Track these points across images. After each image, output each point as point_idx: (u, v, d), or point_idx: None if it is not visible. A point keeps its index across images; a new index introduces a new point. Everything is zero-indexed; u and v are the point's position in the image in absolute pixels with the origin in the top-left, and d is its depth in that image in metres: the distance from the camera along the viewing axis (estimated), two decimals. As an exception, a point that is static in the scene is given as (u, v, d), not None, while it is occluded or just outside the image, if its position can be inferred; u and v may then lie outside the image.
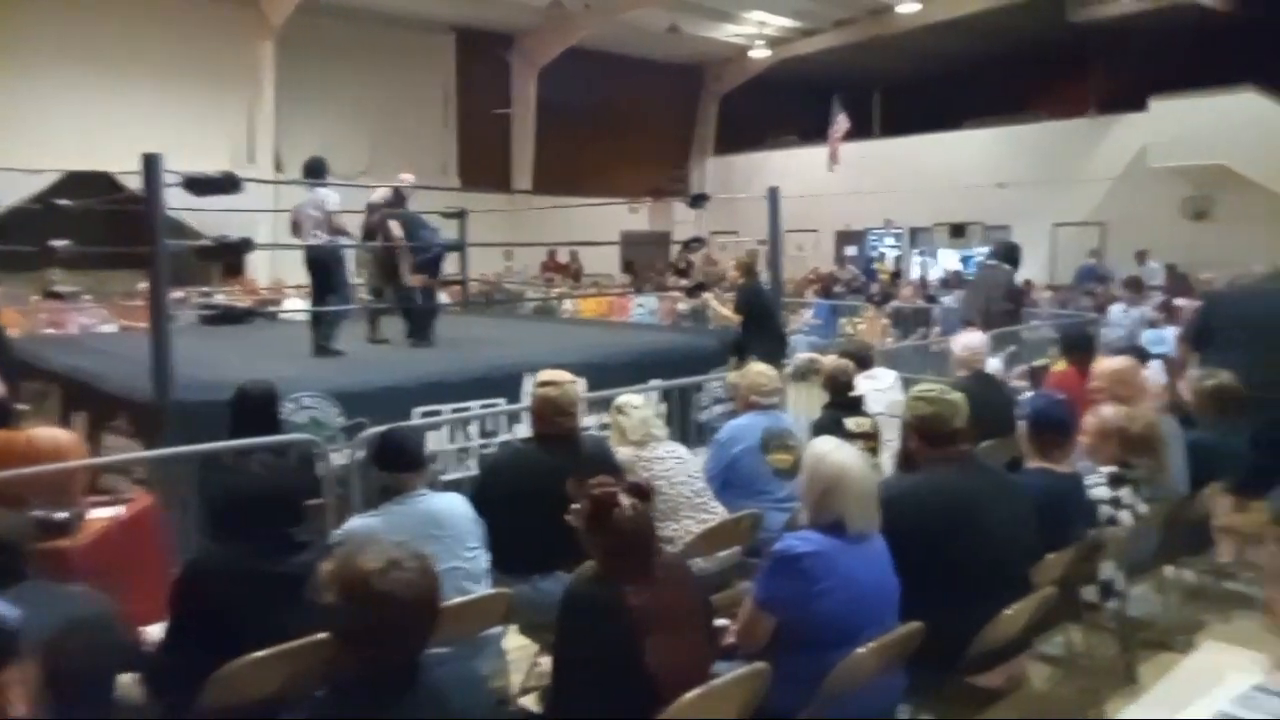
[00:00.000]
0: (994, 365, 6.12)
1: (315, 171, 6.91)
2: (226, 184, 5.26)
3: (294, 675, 2.19)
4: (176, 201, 4.92)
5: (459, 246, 9.79)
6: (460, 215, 9.85)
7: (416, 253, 7.21)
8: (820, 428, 4.48)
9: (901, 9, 15.94)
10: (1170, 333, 8.30)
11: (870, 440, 4.40)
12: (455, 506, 2.92)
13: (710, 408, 6.56)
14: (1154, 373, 6.76)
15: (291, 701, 2.15)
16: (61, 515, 2.83)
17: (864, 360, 5.04)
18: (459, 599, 2.76)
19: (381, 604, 1.71)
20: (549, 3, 15.34)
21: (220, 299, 10.81)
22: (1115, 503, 3.45)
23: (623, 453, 3.75)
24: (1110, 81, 15.33)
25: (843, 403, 4.55)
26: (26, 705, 1.57)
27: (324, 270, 6.79)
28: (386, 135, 16.11)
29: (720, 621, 2.64)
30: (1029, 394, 4.85)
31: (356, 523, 2.83)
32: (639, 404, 3.95)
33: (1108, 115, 15.36)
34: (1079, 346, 5.43)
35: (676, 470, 3.69)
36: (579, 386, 3.82)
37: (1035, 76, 17.11)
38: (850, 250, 18.77)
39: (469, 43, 17.28)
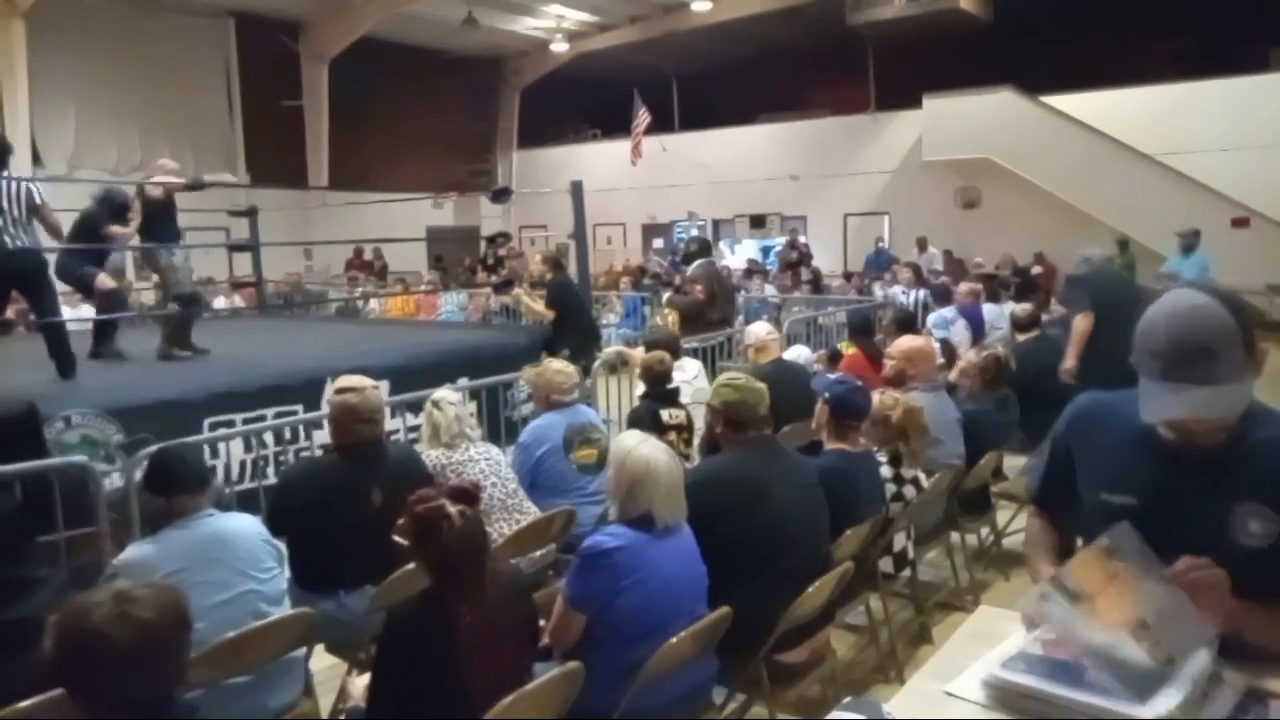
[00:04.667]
0: (803, 353, 6.36)
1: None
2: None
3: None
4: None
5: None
6: (251, 213, 9.31)
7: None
8: (636, 419, 4.52)
9: (695, 6, 16.36)
10: (950, 313, 8.88)
11: (684, 431, 4.48)
12: (244, 526, 2.72)
13: (523, 404, 6.50)
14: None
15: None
16: None
17: (673, 351, 5.12)
18: (256, 623, 2.58)
19: (91, 647, 1.52)
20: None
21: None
22: (898, 479, 3.67)
23: (431, 456, 3.64)
24: (887, 80, 16.36)
25: (659, 394, 4.60)
26: None
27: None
28: (162, 128, 14.94)
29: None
30: (823, 375, 5.06)
31: (132, 552, 2.58)
32: (454, 400, 3.83)
33: (886, 112, 16.39)
34: (863, 330, 5.75)
35: (489, 472, 3.62)
36: (382, 391, 3.66)
37: (821, 74, 18.01)
38: (658, 242, 19.12)
39: (250, 30, 16.26)
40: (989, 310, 8.29)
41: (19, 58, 12.81)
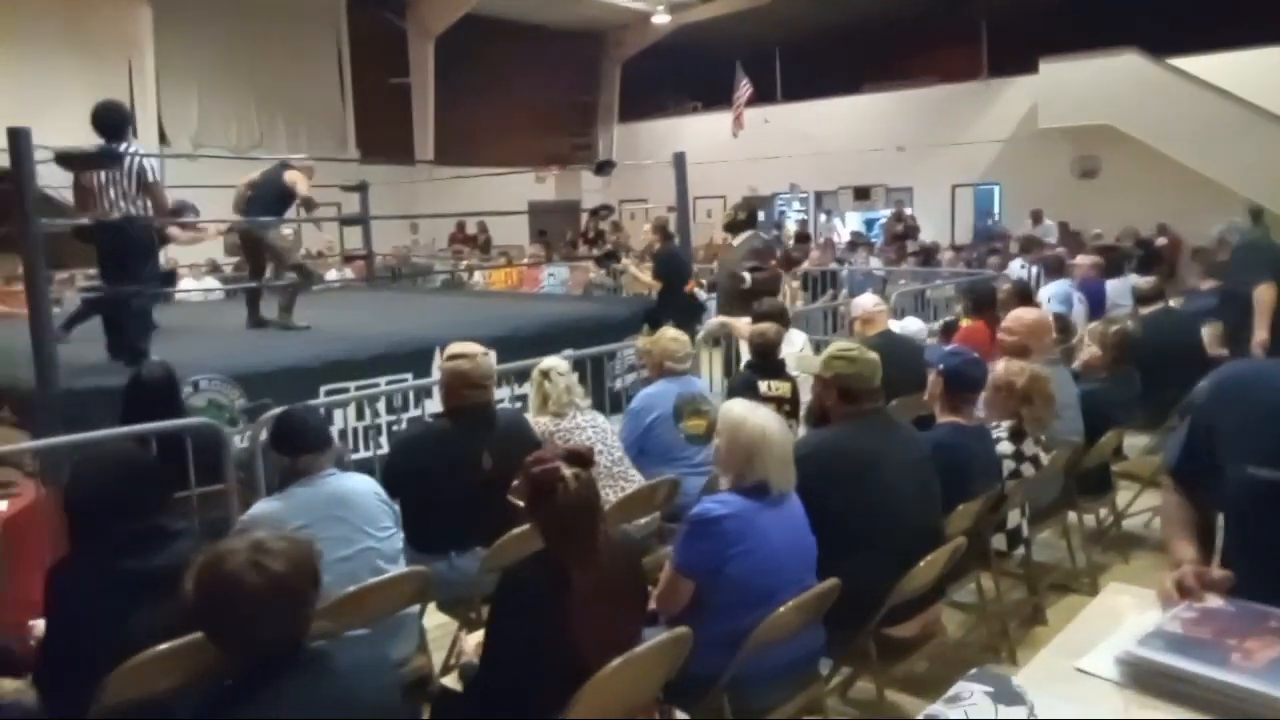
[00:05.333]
0: (916, 325, 6.21)
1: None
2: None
3: (189, 673, 2.06)
4: (58, 179, 4.59)
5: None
6: (362, 188, 9.58)
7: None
8: (735, 388, 4.49)
9: (798, -27, 16.02)
10: (1066, 287, 8.52)
11: (784, 403, 4.42)
12: (363, 486, 2.82)
13: (624, 375, 6.54)
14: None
15: (190, 699, 2.03)
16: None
17: (782, 322, 5.05)
18: (373, 579, 2.68)
19: (227, 592, 1.60)
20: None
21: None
22: (1018, 455, 3.55)
23: (540, 423, 3.69)
24: (1000, 45, 15.70)
25: (763, 366, 4.56)
26: None
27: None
28: (278, 106, 15.49)
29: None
30: (937, 347, 4.93)
31: (260, 508, 2.71)
32: (564, 370, 3.87)
33: (999, 78, 15.76)
34: (987, 302, 5.58)
35: (594, 440, 3.65)
36: (490, 359, 3.73)
37: (929, 41, 17.43)
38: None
39: (360, 9, 16.68)
40: (1112, 285, 7.90)
41: (147, 41, 13.47)
